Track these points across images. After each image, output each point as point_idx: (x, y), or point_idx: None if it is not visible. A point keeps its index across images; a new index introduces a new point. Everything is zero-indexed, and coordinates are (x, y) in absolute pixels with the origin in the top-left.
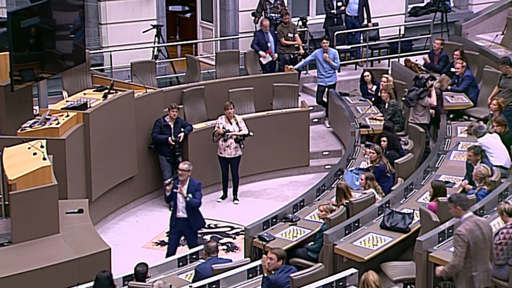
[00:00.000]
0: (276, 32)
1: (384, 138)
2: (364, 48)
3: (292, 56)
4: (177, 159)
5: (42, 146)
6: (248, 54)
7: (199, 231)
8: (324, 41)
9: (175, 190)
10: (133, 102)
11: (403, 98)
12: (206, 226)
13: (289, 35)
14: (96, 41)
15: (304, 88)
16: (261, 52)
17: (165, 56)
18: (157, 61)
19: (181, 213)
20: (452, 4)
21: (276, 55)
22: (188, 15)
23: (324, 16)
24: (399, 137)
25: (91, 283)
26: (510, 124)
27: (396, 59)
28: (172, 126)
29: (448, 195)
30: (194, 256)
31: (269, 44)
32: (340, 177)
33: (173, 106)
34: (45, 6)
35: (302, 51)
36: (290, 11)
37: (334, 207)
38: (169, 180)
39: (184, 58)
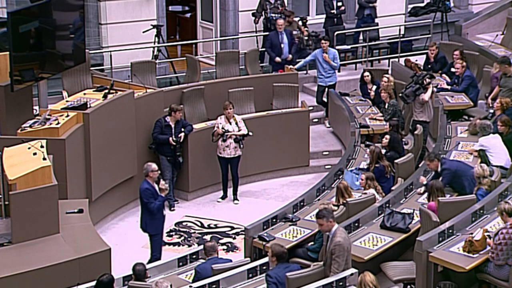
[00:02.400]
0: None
1: (387, 136)
2: (364, 48)
3: (301, 45)
4: (178, 159)
5: (42, 146)
6: (248, 54)
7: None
8: (323, 41)
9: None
10: (133, 102)
11: (400, 94)
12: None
13: (294, 32)
14: (96, 41)
15: (304, 88)
16: (277, 59)
17: (165, 56)
18: (157, 61)
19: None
20: (452, 4)
21: (290, 56)
22: (188, 15)
23: (324, 16)
24: (402, 137)
25: (91, 283)
26: None
27: (396, 59)
28: (173, 126)
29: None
30: (194, 256)
31: (282, 45)
32: (340, 177)
33: (179, 109)
34: (45, 6)
35: (306, 32)
36: None
37: (334, 207)
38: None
39: (184, 58)
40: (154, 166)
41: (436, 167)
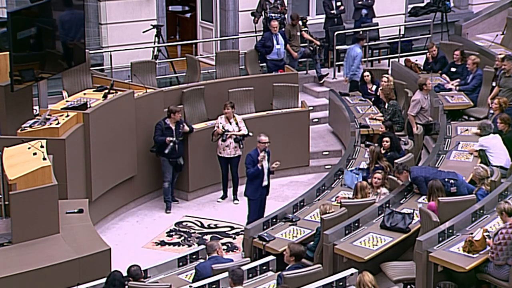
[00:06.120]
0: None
1: (387, 139)
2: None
3: (312, 48)
4: (179, 161)
5: (42, 146)
6: (248, 54)
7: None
8: (362, 40)
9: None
10: (133, 102)
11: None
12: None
13: (298, 34)
14: (96, 41)
15: (304, 88)
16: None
17: (165, 56)
18: (157, 61)
19: (265, 182)
20: (452, 4)
21: (296, 54)
22: (188, 15)
23: (324, 16)
24: (399, 137)
25: (91, 283)
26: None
27: (396, 59)
28: (173, 128)
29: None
30: (194, 256)
31: (278, 47)
32: (340, 177)
33: (177, 110)
34: (45, 6)
35: (318, 42)
36: (290, 11)
37: (332, 209)
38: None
39: (184, 58)
40: (263, 137)
41: (407, 178)
